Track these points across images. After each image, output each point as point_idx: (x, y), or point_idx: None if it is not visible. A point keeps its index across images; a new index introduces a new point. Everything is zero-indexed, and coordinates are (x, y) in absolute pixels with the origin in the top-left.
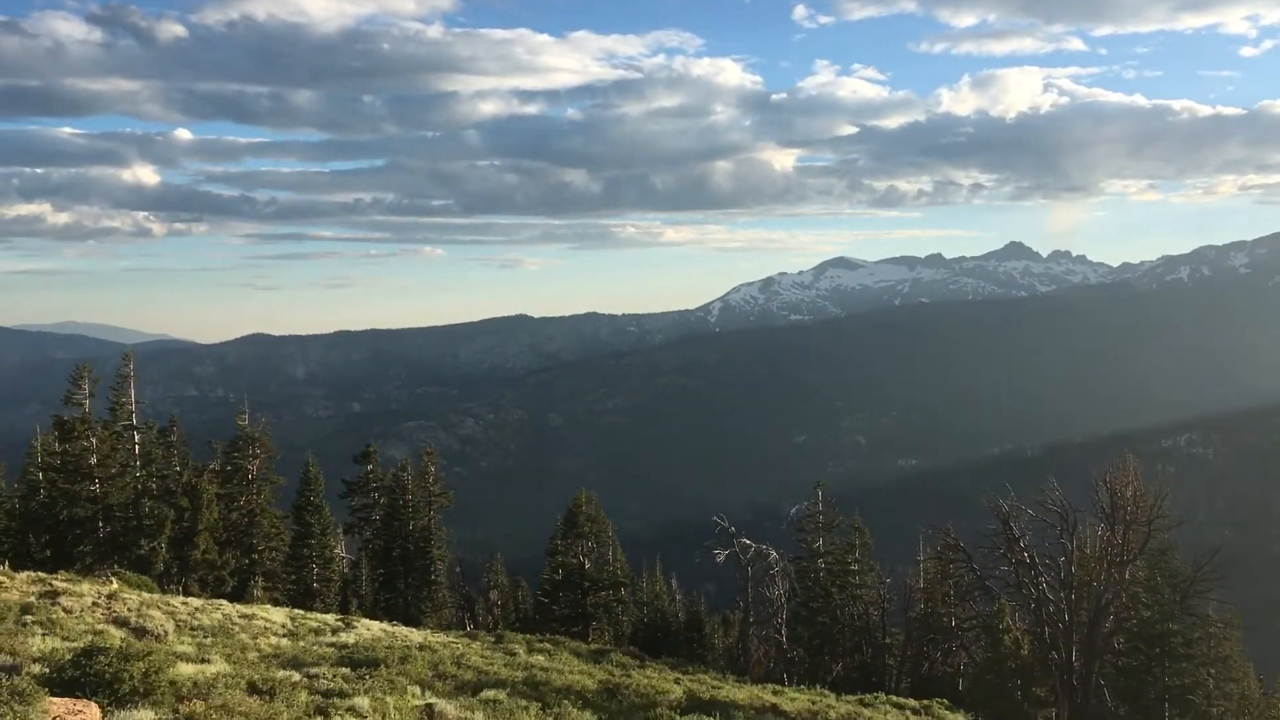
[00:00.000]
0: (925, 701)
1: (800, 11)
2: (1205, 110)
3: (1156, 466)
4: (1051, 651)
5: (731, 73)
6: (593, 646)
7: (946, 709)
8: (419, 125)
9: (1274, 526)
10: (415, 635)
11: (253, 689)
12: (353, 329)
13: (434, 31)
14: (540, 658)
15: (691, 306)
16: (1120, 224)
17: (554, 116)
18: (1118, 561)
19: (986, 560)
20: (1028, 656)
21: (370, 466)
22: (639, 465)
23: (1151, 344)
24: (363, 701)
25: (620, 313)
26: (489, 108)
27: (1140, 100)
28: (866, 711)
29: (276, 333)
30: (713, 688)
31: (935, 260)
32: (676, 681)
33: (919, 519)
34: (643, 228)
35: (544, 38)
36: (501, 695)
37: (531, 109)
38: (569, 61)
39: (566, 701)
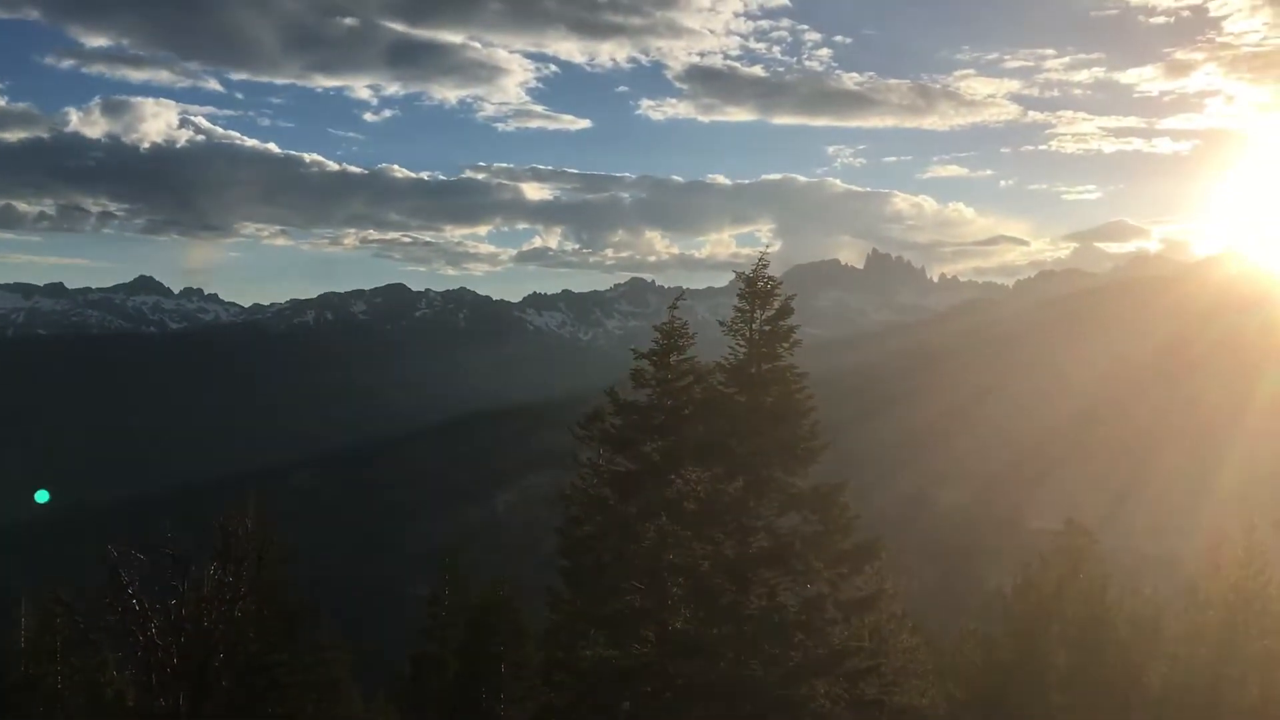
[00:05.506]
0: None
1: None
2: (333, 166)
3: (280, 502)
4: (159, 698)
5: None
6: None
7: None
8: None
9: (377, 551)
10: None
11: None
12: None
13: None
14: None
15: None
16: (254, 266)
17: None
18: (229, 599)
19: (94, 611)
20: (133, 707)
21: None
22: None
23: (281, 383)
24: None
25: None
26: None
27: (274, 148)
28: None
29: None
30: None
31: (56, 289)
32: None
33: (31, 576)
34: None
35: None
36: None
37: None
38: None
39: None
